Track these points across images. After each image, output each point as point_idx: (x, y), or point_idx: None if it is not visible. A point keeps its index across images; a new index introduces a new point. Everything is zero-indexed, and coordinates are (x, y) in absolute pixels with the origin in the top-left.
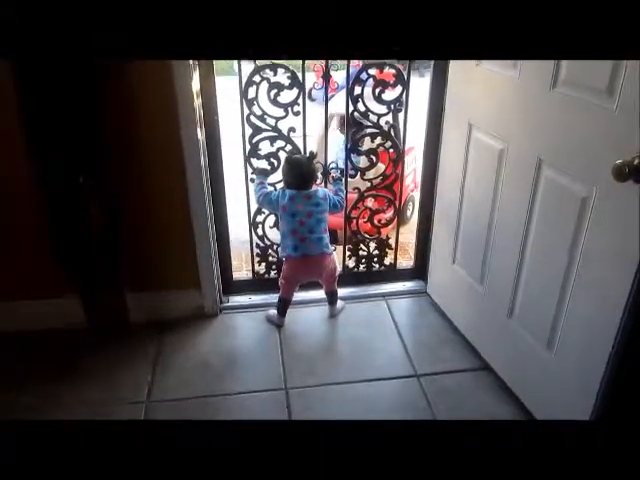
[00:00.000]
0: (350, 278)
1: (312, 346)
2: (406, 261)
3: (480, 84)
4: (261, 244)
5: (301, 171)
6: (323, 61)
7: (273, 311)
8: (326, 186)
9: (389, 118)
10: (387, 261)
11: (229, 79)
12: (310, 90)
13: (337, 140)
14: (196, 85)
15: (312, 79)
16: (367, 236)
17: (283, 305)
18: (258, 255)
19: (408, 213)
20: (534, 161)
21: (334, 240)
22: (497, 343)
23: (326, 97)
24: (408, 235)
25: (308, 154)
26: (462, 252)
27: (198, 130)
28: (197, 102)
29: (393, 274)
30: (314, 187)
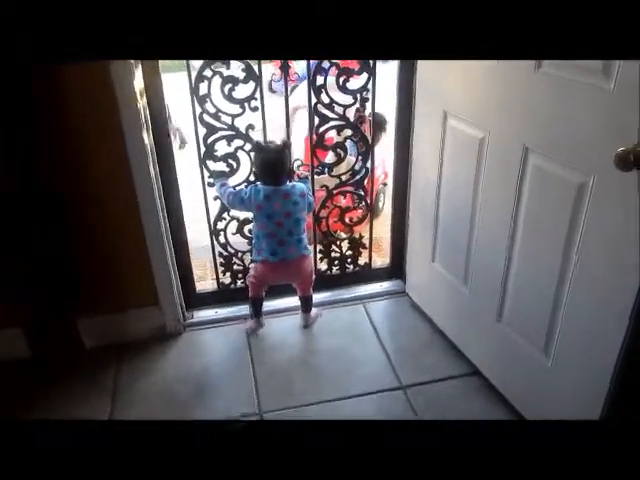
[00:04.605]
0: (323, 282)
1: (287, 361)
2: (381, 259)
3: (453, 67)
4: (224, 252)
5: (273, 161)
6: None
7: (249, 322)
8: None
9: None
10: (361, 261)
11: (178, 75)
12: (270, 82)
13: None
14: (139, 83)
15: (270, 70)
16: (340, 236)
17: (256, 305)
18: (222, 264)
19: (380, 205)
20: (519, 150)
21: None
22: (486, 347)
23: (286, 89)
24: (381, 229)
25: (281, 142)
26: (442, 249)
27: (144, 133)
28: (142, 102)
29: (369, 275)
30: (289, 182)
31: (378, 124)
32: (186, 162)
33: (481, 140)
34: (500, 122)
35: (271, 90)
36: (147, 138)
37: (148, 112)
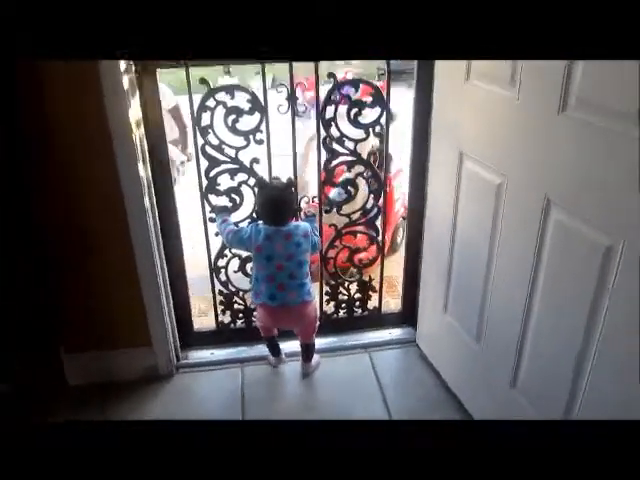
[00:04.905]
0: (329, 326)
1: (280, 415)
2: (394, 300)
3: (471, 105)
4: (225, 291)
5: (276, 199)
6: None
7: (270, 357)
8: None
9: (375, 142)
10: (371, 305)
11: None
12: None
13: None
14: (136, 113)
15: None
16: (352, 274)
17: (271, 345)
18: (222, 303)
19: (398, 240)
20: (540, 201)
21: None
22: (498, 414)
23: (293, 120)
24: (398, 267)
25: (286, 181)
26: (454, 301)
27: (140, 166)
28: (138, 133)
29: (378, 320)
30: (293, 222)
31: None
32: (188, 194)
33: (498, 186)
34: (519, 168)
35: (297, 115)
36: (143, 170)
37: (146, 142)
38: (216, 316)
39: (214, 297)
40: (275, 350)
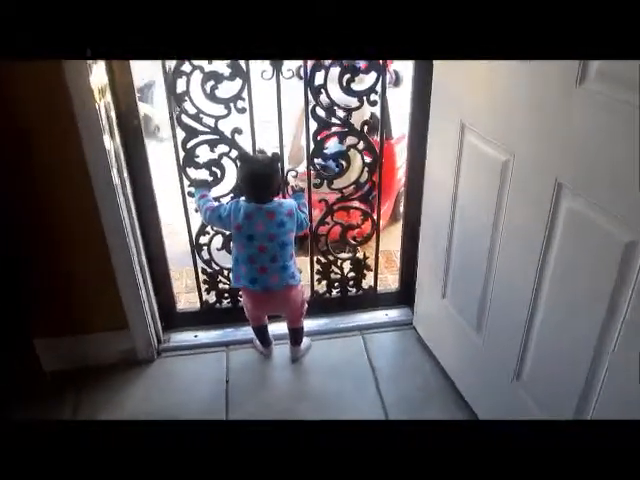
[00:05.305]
0: (319, 306)
1: (266, 406)
2: (393, 275)
3: (475, 73)
4: (208, 269)
5: (258, 174)
6: None
7: (257, 343)
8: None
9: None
10: (366, 284)
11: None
12: (298, 68)
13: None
14: (100, 80)
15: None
16: (342, 255)
17: (260, 335)
18: (206, 282)
19: (401, 209)
20: (551, 184)
21: None
22: (498, 409)
23: (278, 88)
24: (398, 239)
25: (271, 154)
26: (454, 287)
27: (106, 137)
28: (103, 101)
29: (373, 299)
30: (278, 199)
31: (372, 128)
32: (169, 166)
33: (504, 164)
34: (528, 146)
35: (299, 77)
36: (110, 141)
37: (114, 112)
38: (200, 296)
39: (197, 276)
40: (265, 341)
